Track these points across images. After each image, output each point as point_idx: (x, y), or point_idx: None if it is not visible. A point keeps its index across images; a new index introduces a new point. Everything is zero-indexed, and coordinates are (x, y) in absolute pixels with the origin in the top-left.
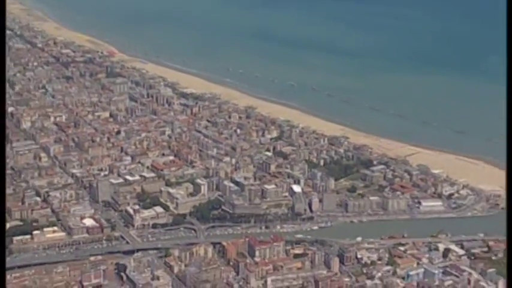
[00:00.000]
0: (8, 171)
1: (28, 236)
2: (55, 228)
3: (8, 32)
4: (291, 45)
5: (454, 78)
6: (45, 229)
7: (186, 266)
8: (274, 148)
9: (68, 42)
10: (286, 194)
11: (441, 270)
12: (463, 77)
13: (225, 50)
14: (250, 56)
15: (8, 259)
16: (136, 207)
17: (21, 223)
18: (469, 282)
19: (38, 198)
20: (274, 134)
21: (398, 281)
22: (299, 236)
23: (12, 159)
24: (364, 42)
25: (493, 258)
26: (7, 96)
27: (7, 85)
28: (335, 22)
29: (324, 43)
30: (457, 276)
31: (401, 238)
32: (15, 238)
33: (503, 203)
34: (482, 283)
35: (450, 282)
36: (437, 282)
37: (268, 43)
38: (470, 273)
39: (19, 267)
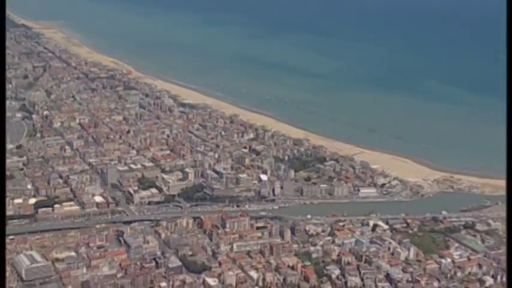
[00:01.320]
0: (39, 160)
1: (50, 208)
2: (72, 203)
3: (49, 54)
4: (272, 68)
5: (397, 97)
6: (64, 203)
7: (171, 233)
8: (250, 146)
9: (96, 62)
10: (255, 181)
11: (368, 240)
12: (404, 95)
13: (219, 71)
14: (239, 76)
15: (33, 225)
16: (136, 188)
17: (45, 198)
18: (388, 249)
19: (60, 180)
20: (251, 135)
21: (335, 247)
22: (262, 213)
23: (43, 150)
24: (330, 67)
25: (410, 232)
26: (44, 102)
27: (45, 94)
28: (309, 51)
29: (298, 67)
30: (380, 245)
31: (342, 216)
32: (40, 210)
33: (422, 191)
34: (398, 249)
35: (374, 249)
36: (364, 249)
37: (254, 66)
38: (390, 243)
39: (41, 231)
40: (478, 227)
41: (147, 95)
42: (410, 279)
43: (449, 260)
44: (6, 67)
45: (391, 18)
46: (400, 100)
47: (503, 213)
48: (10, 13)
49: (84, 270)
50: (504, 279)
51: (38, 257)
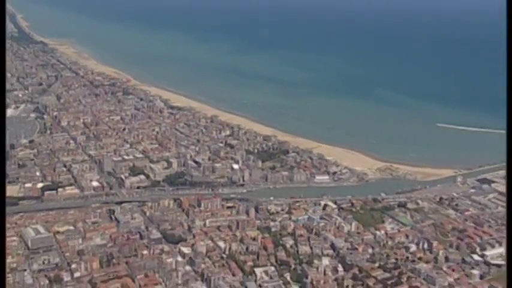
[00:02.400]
0: (47, 152)
1: (54, 191)
2: (72, 187)
3: (61, 65)
4: (250, 78)
5: (352, 101)
6: (66, 187)
7: (154, 211)
8: (225, 141)
9: (100, 72)
10: (229, 170)
11: (319, 217)
12: (357, 100)
13: (204, 80)
14: (221, 84)
15: (39, 205)
16: (127, 175)
17: (51, 183)
18: (335, 223)
19: (64, 168)
20: (227, 132)
21: (291, 223)
22: (232, 195)
23: (51, 144)
24: (298, 77)
25: (353, 210)
26: (54, 105)
27: (55, 98)
28: (282, 64)
29: (272, 77)
30: (328, 220)
31: (299, 198)
32: (46, 192)
33: (367, 178)
34: (342, 224)
35: (323, 223)
36: (315, 224)
37: (235, 76)
38: (336, 219)
39: (46, 209)
40: (409, 205)
41: (142, 99)
42: (350, 247)
43: (383, 232)
44: (24, 76)
45: (350, 37)
46: (354, 104)
47: (430, 195)
48: (31, 32)
49: (80, 241)
50: (425, 245)
51: (42, 230)
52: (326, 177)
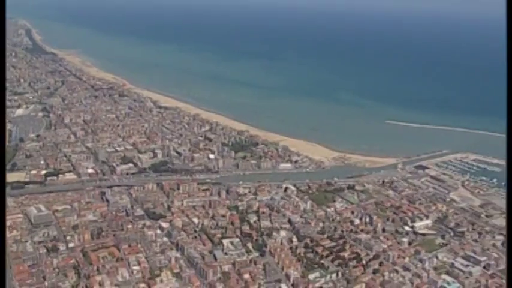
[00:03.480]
0: (51, 144)
1: (55, 177)
2: (71, 173)
3: (67, 72)
4: (230, 83)
5: (317, 102)
6: (65, 173)
7: (139, 193)
8: (205, 135)
9: (100, 78)
10: (206, 159)
11: (280, 197)
12: (322, 101)
13: (191, 84)
14: (205, 87)
15: (43, 188)
16: (118, 163)
17: (53, 170)
18: (293, 203)
19: (64, 158)
20: (207, 128)
21: (256, 202)
22: (207, 180)
23: (55, 137)
24: (273, 82)
25: (310, 192)
26: (59, 105)
27: (60, 99)
28: (259, 71)
29: (250, 82)
30: (287, 200)
31: (265, 182)
32: (48, 178)
33: (323, 165)
34: (299, 203)
35: (283, 203)
36: (276, 203)
37: (217, 81)
38: (294, 199)
39: (47, 192)
40: (356, 187)
41: (135, 100)
42: (304, 221)
43: (332, 209)
44: (35, 81)
45: (317, 48)
46: (319, 105)
47: (375, 179)
48: (43, 44)
49: (75, 218)
50: (367, 220)
51: (43, 208)
52: (289, 165)
